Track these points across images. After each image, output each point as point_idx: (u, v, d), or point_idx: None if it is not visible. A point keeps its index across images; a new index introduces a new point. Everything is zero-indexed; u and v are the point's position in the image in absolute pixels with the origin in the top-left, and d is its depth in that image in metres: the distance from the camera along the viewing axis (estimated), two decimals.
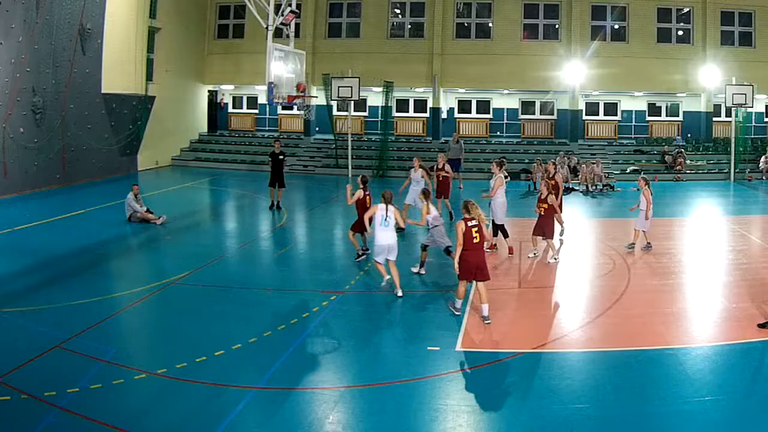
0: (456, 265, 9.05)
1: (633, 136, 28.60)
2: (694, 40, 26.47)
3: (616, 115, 29.03)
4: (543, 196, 12.30)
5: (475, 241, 8.95)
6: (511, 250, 12.89)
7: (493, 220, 13.18)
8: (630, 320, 9.20)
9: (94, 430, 6.15)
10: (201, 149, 28.63)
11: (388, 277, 10.46)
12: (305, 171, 26.02)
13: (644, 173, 24.68)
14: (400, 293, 10.18)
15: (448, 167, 16.00)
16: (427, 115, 28.97)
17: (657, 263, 12.35)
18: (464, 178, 23.08)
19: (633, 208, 13.45)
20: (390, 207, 10.29)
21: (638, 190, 13.44)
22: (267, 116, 31.23)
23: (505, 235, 13.01)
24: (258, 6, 16.52)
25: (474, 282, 9.21)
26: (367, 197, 12.11)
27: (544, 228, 12.30)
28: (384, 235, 10.22)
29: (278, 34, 16.76)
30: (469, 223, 8.96)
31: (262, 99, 30.05)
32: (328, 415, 6.51)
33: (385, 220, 10.21)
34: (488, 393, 7.10)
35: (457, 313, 9.38)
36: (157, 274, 11.71)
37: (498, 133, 29.29)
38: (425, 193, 11.54)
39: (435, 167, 16.02)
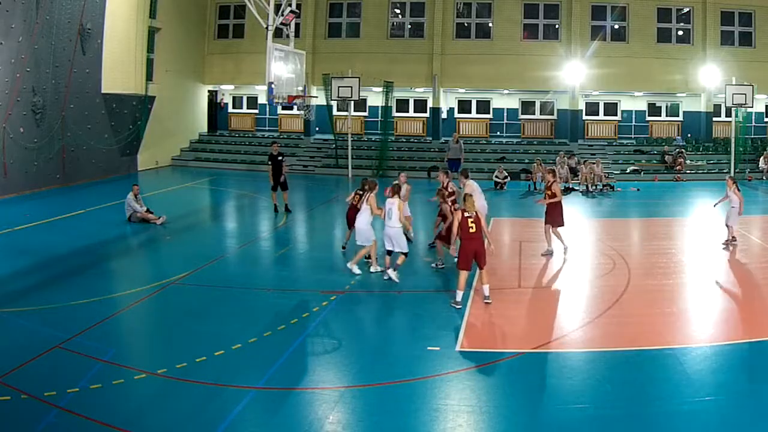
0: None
1: (633, 136, 28.60)
2: (694, 40, 26.47)
3: (616, 115, 29.03)
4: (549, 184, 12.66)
5: (471, 231, 9.53)
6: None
7: None
8: (630, 320, 9.20)
9: (94, 430, 6.15)
10: (201, 149, 28.63)
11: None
12: (305, 171, 26.01)
13: (644, 173, 24.87)
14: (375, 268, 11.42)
15: (453, 186, 12.98)
16: (427, 115, 28.98)
17: (657, 263, 12.35)
18: None
19: (716, 204, 14.09)
20: (366, 195, 11.29)
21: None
22: (267, 116, 31.22)
23: None
24: (258, 6, 16.52)
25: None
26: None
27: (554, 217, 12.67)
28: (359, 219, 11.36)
29: (278, 34, 16.77)
30: (465, 214, 9.55)
31: (262, 99, 30.04)
32: (328, 415, 6.50)
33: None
34: (488, 393, 7.10)
35: (458, 306, 9.44)
36: (157, 274, 11.70)
37: (498, 133, 29.29)
38: (394, 189, 11.00)
39: (441, 188, 12.77)
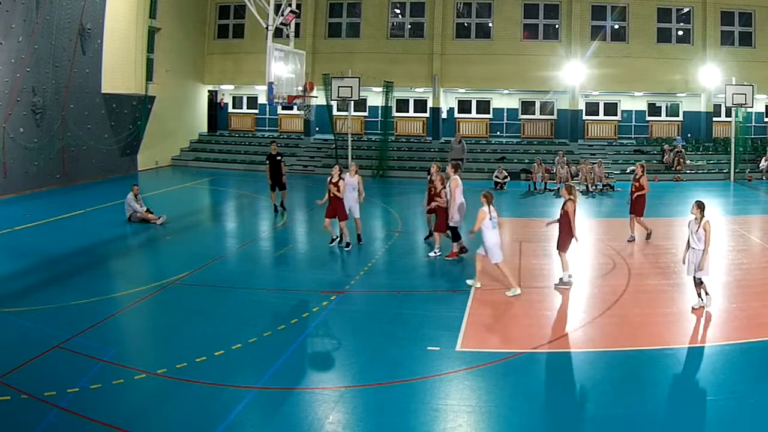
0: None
1: (633, 136, 28.58)
2: (694, 40, 26.46)
3: (616, 115, 29.02)
4: (437, 191, 12.67)
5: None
6: (458, 252, 12.53)
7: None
8: (630, 320, 9.20)
9: (94, 430, 6.16)
10: (201, 149, 28.63)
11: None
12: (305, 171, 26.01)
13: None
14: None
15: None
16: (427, 115, 28.98)
17: (657, 263, 12.35)
18: (464, 179, 23.01)
19: None
20: (493, 207, 10.38)
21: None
22: (267, 116, 31.20)
23: (456, 238, 12.57)
24: (258, 6, 16.53)
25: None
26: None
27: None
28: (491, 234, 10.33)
29: (278, 34, 16.77)
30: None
31: (262, 99, 30.03)
32: (328, 415, 6.50)
33: (491, 220, 10.29)
34: (488, 393, 7.10)
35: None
36: (157, 274, 11.71)
37: (498, 133, 29.27)
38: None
39: (430, 179, 13.36)
